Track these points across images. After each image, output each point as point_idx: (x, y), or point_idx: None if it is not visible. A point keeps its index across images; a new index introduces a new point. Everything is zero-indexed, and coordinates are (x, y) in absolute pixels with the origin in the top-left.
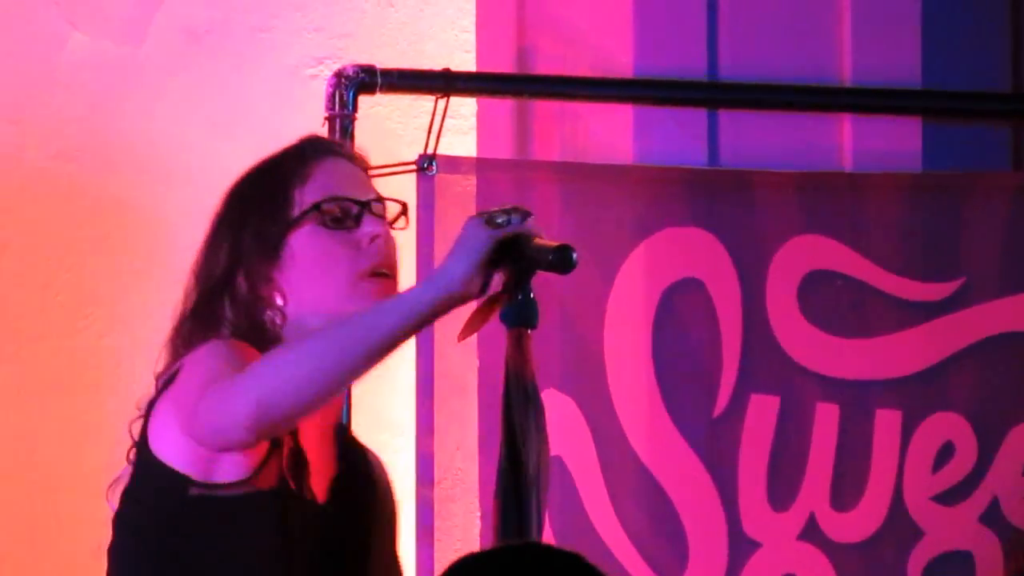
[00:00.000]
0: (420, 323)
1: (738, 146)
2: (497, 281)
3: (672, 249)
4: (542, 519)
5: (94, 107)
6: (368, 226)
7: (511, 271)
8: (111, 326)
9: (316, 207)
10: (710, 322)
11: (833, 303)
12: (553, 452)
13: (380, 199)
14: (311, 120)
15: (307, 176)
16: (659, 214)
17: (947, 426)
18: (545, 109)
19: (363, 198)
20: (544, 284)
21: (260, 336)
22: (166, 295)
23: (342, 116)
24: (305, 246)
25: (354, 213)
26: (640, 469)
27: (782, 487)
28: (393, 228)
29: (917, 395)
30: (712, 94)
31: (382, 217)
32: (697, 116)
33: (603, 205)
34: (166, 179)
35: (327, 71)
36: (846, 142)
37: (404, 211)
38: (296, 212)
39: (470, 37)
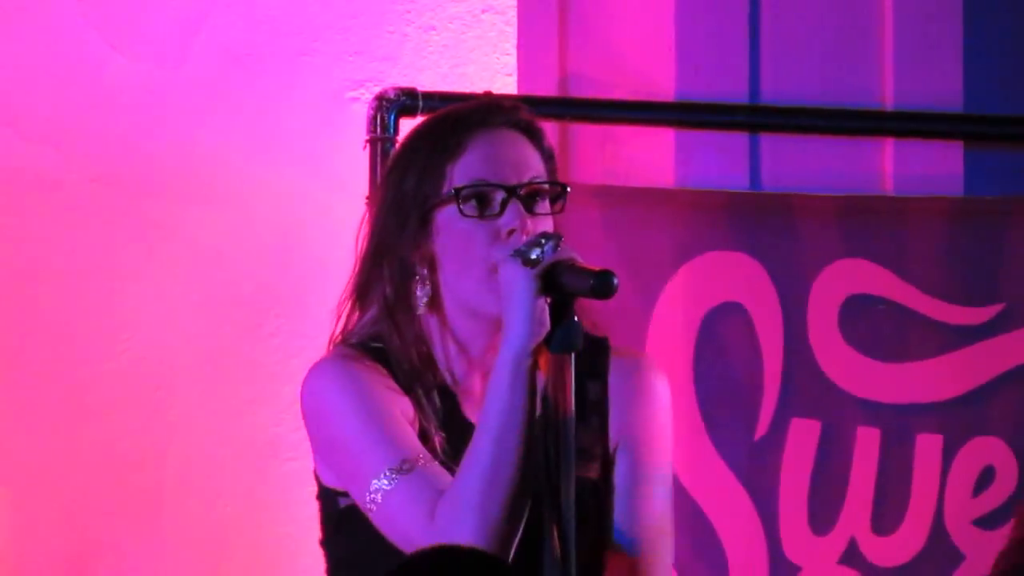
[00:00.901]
0: (525, 386)
1: (779, 170)
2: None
3: (713, 273)
4: (572, 549)
5: (134, 130)
6: (510, 216)
7: (553, 299)
8: (151, 350)
9: (457, 192)
10: (751, 346)
11: (874, 327)
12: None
13: (536, 182)
14: (352, 143)
15: (462, 150)
16: (700, 238)
17: (988, 450)
18: (586, 133)
19: (514, 180)
20: (584, 309)
21: (405, 314)
22: (206, 318)
23: (383, 139)
24: (447, 228)
25: (498, 200)
26: (681, 492)
27: (823, 511)
28: (551, 213)
29: (958, 419)
30: (753, 118)
31: (536, 198)
32: (738, 140)
33: (644, 229)
34: (206, 202)
35: (368, 94)
36: (887, 166)
37: (563, 194)
38: (445, 189)
39: (511, 60)
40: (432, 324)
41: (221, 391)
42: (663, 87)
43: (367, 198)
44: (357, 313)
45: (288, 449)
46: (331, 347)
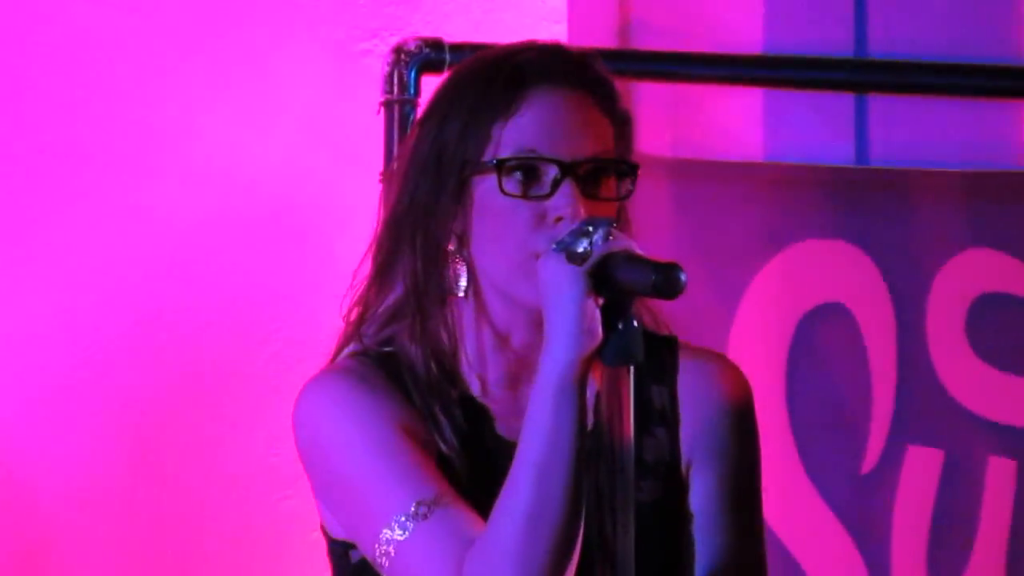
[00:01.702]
0: (572, 408)
1: (892, 140)
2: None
3: (811, 267)
4: None
5: (87, 88)
6: (561, 199)
7: (605, 300)
8: (112, 364)
9: (500, 163)
10: (857, 357)
11: (1008, 334)
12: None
13: (599, 159)
14: (362, 107)
15: (514, 108)
16: (795, 224)
17: None
18: (654, 94)
19: (571, 155)
20: (645, 306)
21: (435, 298)
22: (181, 322)
23: (402, 102)
24: (485, 202)
25: (549, 178)
26: (769, 536)
27: (947, 558)
28: (616, 197)
29: None
30: (860, 75)
31: (598, 178)
32: (842, 102)
33: (725, 212)
34: (179, 179)
35: (383, 46)
36: None
37: (632, 174)
38: (488, 154)
39: (560, 3)
40: (466, 312)
41: (202, 412)
42: (748, 38)
43: (382, 174)
44: (370, 299)
45: (285, 484)
46: (340, 346)
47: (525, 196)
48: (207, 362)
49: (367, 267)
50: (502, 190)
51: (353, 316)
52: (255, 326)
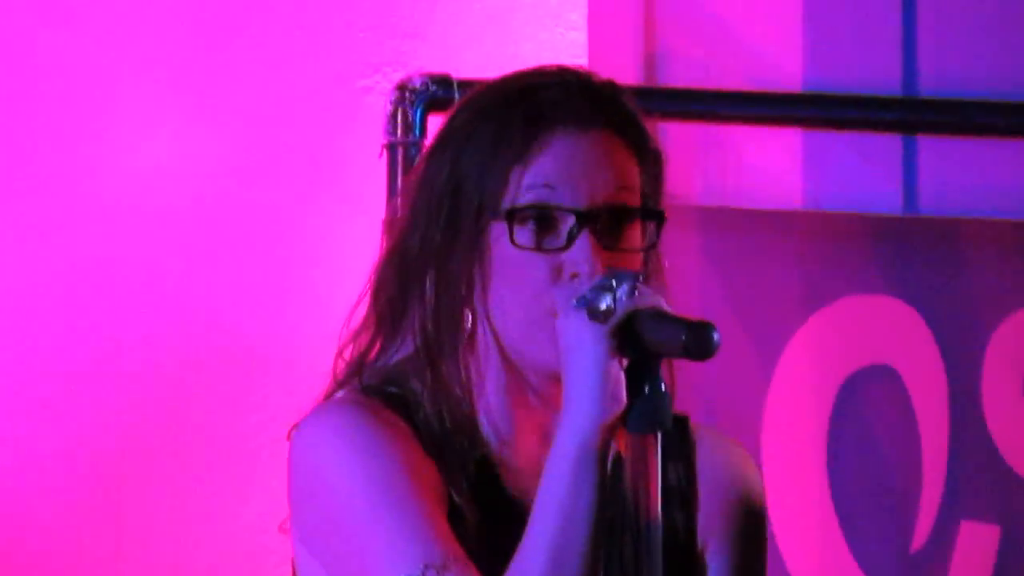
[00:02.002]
0: (593, 479)
1: (944, 186)
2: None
3: (854, 325)
4: None
5: (60, 131)
6: (578, 251)
7: (631, 361)
8: (89, 428)
9: (511, 214)
10: (906, 424)
11: None
12: None
13: (619, 205)
14: (363, 150)
15: (533, 152)
16: (837, 278)
17: None
18: (682, 135)
19: (591, 203)
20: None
21: (448, 348)
22: (163, 378)
23: (406, 144)
24: (499, 252)
25: (565, 227)
26: None
27: None
28: (640, 248)
29: None
30: (909, 114)
31: (620, 227)
32: (889, 145)
33: (760, 265)
34: (160, 225)
35: (386, 83)
36: None
37: (659, 221)
38: (506, 198)
39: (580, 36)
40: (475, 363)
41: (185, 476)
42: (787, 74)
43: (385, 222)
44: (373, 343)
45: (279, 563)
46: (335, 387)
47: (539, 248)
48: (192, 425)
49: (364, 302)
50: (513, 241)
51: (350, 355)
52: (246, 384)
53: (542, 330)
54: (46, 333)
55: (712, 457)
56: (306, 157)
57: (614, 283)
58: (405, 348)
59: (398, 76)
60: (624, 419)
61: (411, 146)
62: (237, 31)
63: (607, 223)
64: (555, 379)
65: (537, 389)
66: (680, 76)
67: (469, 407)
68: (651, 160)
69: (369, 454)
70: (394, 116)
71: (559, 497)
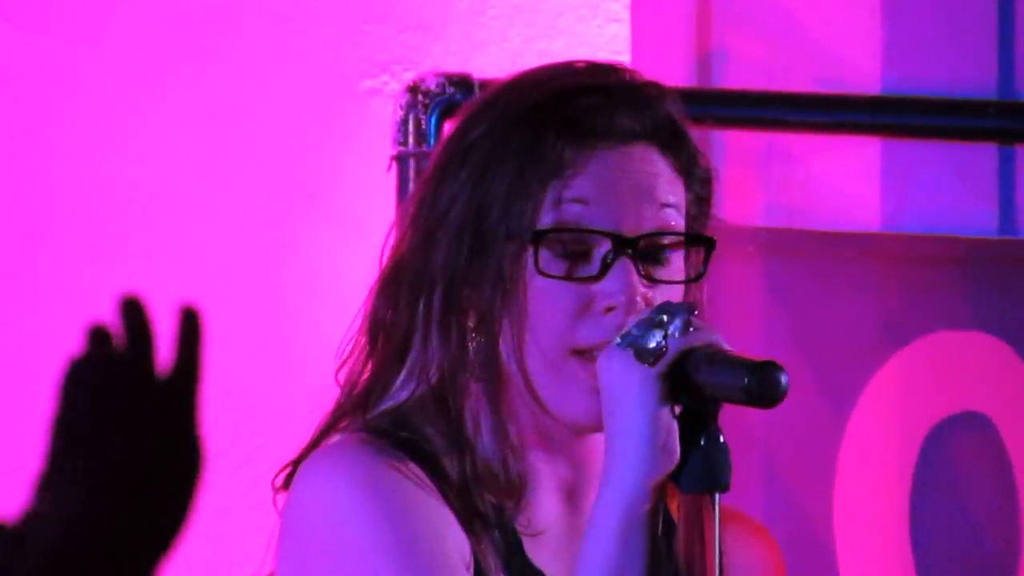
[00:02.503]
0: (642, 547)
1: None
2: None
3: (943, 366)
4: None
5: (29, 141)
6: (613, 281)
7: (684, 409)
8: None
9: (537, 237)
10: (1001, 480)
11: None
12: None
13: (664, 233)
14: (368, 161)
15: (566, 168)
16: (922, 311)
17: None
18: (741, 145)
19: (631, 227)
20: (735, 420)
21: (464, 391)
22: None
23: (419, 155)
24: (519, 279)
25: (599, 254)
26: None
27: None
28: (685, 280)
29: None
30: (1007, 121)
31: (662, 255)
32: (982, 157)
33: (833, 296)
34: (142, 247)
35: (395, 84)
36: None
37: (708, 249)
38: (530, 219)
39: (622, 30)
40: (494, 407)
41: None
42: (863, 75)
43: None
44: (374, 381)
45: None
46: (330, 424)
47: (568, 277)
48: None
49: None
50: (538, 268)
51: (346, 392)
52: (239, 429)
53: (561, 372)
54: (37, 340)
55: (739, 541)
56: (301, 171)
57: (665, 318)
58: (409, 387)
59: (409, 76)
60: (676, 477)
61: (423, 158)
62: (220, 22)
63: (648, 250)
64: (579, 431)
65: (563, 440)
66: (738, 77)
67: (492, 456)
68: (699, 180)
69: (386, 505)
70: (404, 123)
71: (603, 567)
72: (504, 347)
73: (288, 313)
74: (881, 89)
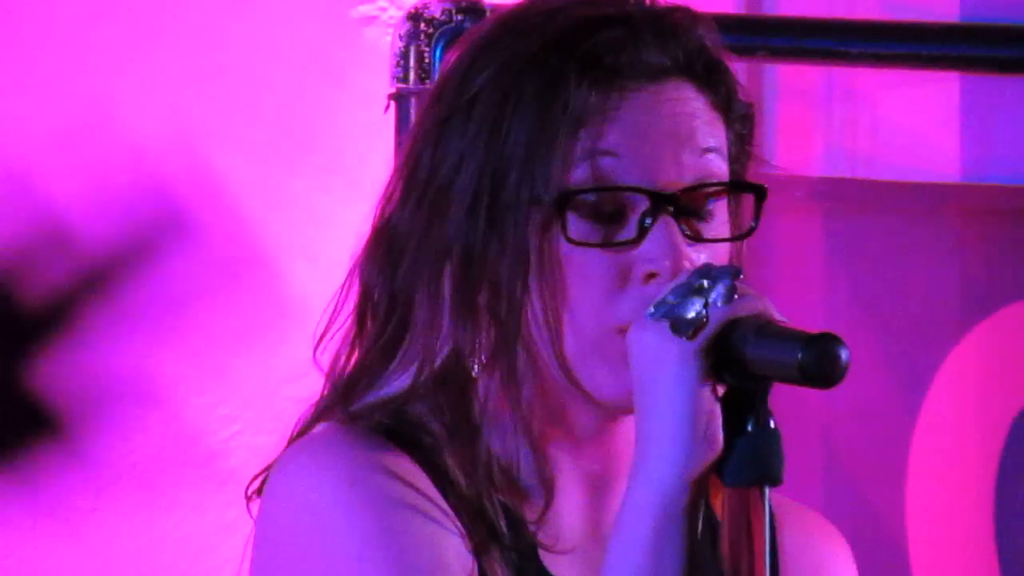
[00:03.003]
0: (680, 546)
1: None
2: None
3: None
4: None
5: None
6: (655, 244)
7: (729, 388)
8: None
9: (563, 199)
10: None
11: None
12: None
13: (710, 184)
14: (361, 100)
15: (590, 116)
16: (1010, 275)
17: None
18: (797, 83)
19: (669, 182)
20: (787, 398)
21: (474, 377)
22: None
23: (420, 93)
24: (546, 250)
25: (635, 214)
26: None
27: None
28: (732, 237)
29: None
30: None
31: (705, 210)
32: None
33: (904, 258)
34: (106, 205)
35: (394, 10)
36: None
37: (758, 201)
38: (553, 179)
39: None
40: (509, 394)
41: (141, 516)
42: (940, 2)
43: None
44: (365, 366)
45: None
46: (314, 417)
47: (602, 244)
48: (151, 457)
49: (346, 306)
50: (567, 236)
51: (342, 371)
52: (212, 406)
53: (603, 353)
54: None
55: (798, 538)
56: (285, 113)
57: (706, 284)
58: (407, 375)
59: (411, 1)
60: (720, 467)
61: (426, 97)
62: None
63: (691, 206)
64: (615, 415)
65: (585, 427)
66: (794, 3)
67: (503, 452)
68: (739, 115)
69: (377, 508)
70: (404, 55)
71: (635, 564)
72: (532, 328)
73: (272, 278)
74: (960, 16)
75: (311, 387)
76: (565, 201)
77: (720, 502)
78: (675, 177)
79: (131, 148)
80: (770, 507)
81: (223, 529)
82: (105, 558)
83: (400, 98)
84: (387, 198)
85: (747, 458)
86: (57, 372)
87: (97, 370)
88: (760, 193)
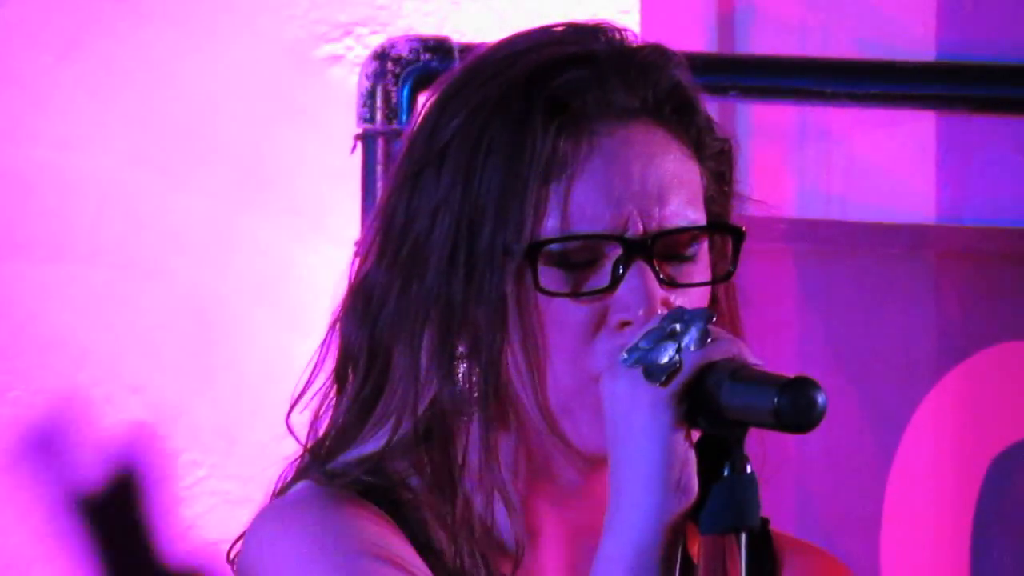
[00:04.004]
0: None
1: None
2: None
3: (1010, 382)
4: None
5: None
6: (629, 292)
7: (703, 434)
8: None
9: (533, 251)
10: None
11: None
12: None
13: (685, 228)
14: (327, 141)
15: (559, 162)
16: (986, 317)
17: None
18: (770, 121)
19: (642, 227)
20: (763, 448)
21: (453, 431)
22: (70, 450)
23: (388, 134)
24: (521, 300)
25: (608, 261)
26: None
27: None
28: (710, 280)
29: None
30: None
31: (680, 255)
32: None
33: (879, 300)
34: (67, 251)
35: (360, 49)
36: None
37: (736, 243)
38: (528, 233)
39: None
40: (486, 447)
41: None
42: (915, 39)
43: (358, 244)
44: (342, 428)
45: None
46: (297, 476)
47: (574, 293)
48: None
49: (323, 363)
50: (538, 287)
51: (319, 434)
52: (175, 450)
53: (582, 402)
54: None
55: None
56: (248, 154)
57: (678, 327)
58: (385, 430)
59: (377, 40)
60: (695, 515)
61: (393, 136)
62: None
63: (664, 250)
64: (600, 467)
65: (569, 478)
66: (767, 42)
67: (481, 505)
68: (716, 161)
69: (353, 569)
70: (371, 95)
71: None
72: (513, 376)
73: (233, 323)
74: (936, 55)
75: (273, 430)
76: (536, 252)
77: (697, 549)
78: (646, 223)
79: (94, 184)
80: (773, 546)
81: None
82: None
83: (367, 138)
84: (363, 253)
85: (723, 505)
86: (16, 415)
87: (53, 413)
88: (738, 235)
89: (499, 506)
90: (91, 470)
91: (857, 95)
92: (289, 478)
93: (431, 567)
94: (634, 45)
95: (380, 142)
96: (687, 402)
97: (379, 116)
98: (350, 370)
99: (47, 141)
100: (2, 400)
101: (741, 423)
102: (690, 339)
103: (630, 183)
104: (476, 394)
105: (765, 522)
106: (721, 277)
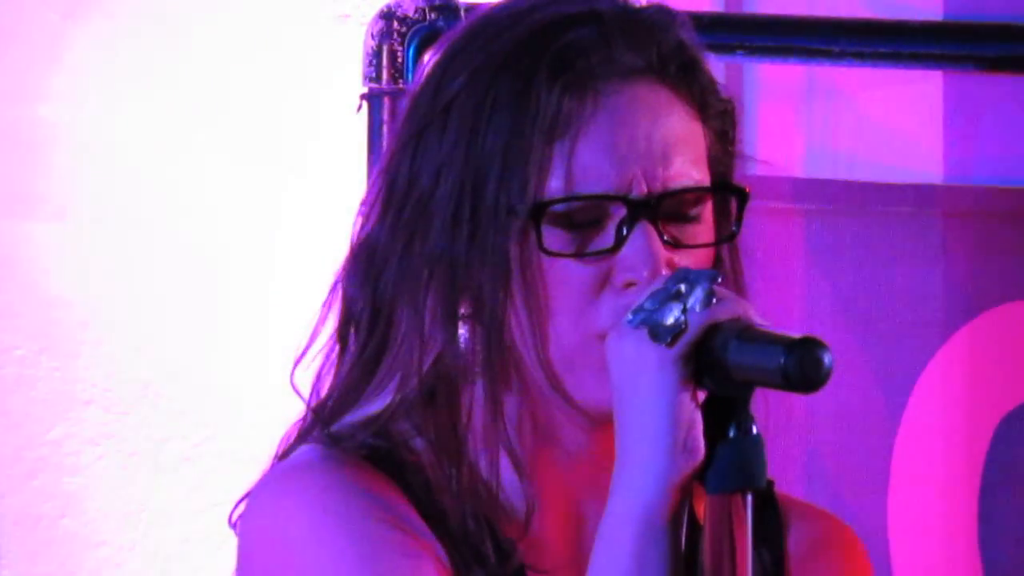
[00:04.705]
0: (663, 557)
1: None
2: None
3: (1018, 342)
4: None
5: None
6: (633, 251)
7: (709, 395)
8: None
9: (538, 211)
10: None
11: None
12: None
13: (690, 188)
14: (332, 100)
15: (563, 123)
16: (994, 276)
17: None
18: (778, 81)
19: (646, 187)
20: (770, 408)
21: (457, 391)
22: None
23: (394, 93)
24: (525, 260)
25: (613, 221)
26: None
27: None
28: (715, 241)
29: None
30: None
31: (686, 215)
32: None
33: (886, 259)
34: (73, 210)
35: (367, 9)
36: None
37: (740, 204)
38: (532, 194)
39: None
40: (491, 407)
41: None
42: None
43: (361, 203)
44: (344, 387)
45: None
46: (300, 438)
47: (578, 254)
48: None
49: (325, 321)
50: (542, 247)
51: (321, 395)
52: (173, 418)
53: (585, 362)
54: None
55: (808, 543)
56: (252, 114)
57: (683, 288)
58: (389, 391)
59: (383, 0)
60: (702, 475)
61: (400, 96)
62: None
63: (670, 211)
64: (600, 424)
65: (573, 439)
66: (774, 1)
67: (487, 467)
68: (720, 121)
69: (355, 538)
70: (377, 55)
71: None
72: (516, 335)
73: (239, 281)
74: (943, 14)
75: (278, 391)
76: (539, 212)
77: (703, 508)
78: (650, 183)
79: (101, 143)
80: (778, 508)
81: (191, 538)
82: (71, 566)
83: (372, 98)
84: (366, 212)
85: (729, 465)
86: (21, 373)
87: (67, 375)
88: (742, 196)
89: (505, 468)
90: (95, 428)
91: (865, 54)
92: (292, 440)
93: (435, 531)
94: (639, 5)
95: (386, 102)
96: (693, 363)
97: (385, 76)
98: (352, 330)
99: (54, 99)
100: (8, 358)
101: (747, 383)
102: (695, 300)
103: (635, 143)
104: (480, 354)
105: (770, 484)
106: (725, 238)
